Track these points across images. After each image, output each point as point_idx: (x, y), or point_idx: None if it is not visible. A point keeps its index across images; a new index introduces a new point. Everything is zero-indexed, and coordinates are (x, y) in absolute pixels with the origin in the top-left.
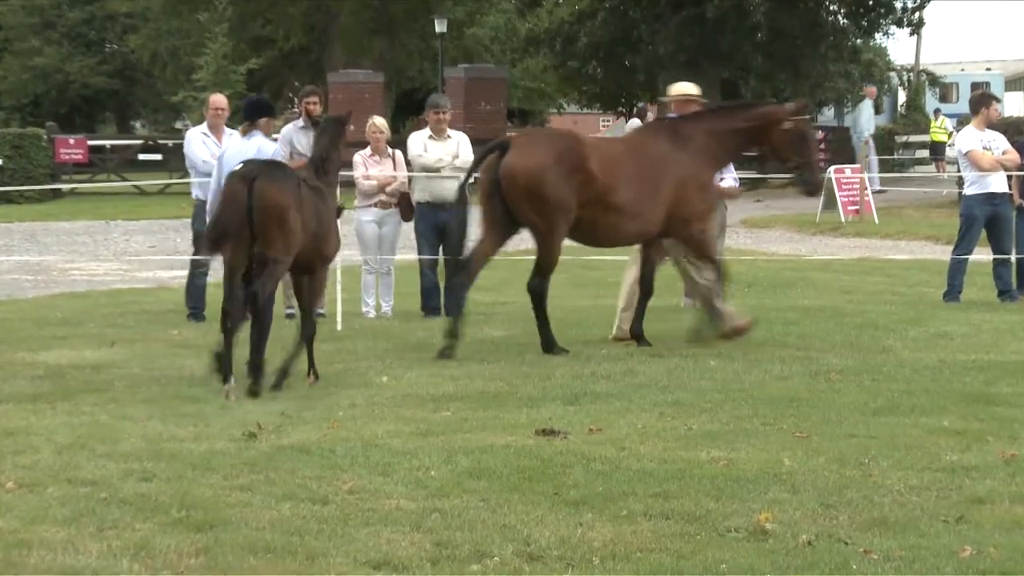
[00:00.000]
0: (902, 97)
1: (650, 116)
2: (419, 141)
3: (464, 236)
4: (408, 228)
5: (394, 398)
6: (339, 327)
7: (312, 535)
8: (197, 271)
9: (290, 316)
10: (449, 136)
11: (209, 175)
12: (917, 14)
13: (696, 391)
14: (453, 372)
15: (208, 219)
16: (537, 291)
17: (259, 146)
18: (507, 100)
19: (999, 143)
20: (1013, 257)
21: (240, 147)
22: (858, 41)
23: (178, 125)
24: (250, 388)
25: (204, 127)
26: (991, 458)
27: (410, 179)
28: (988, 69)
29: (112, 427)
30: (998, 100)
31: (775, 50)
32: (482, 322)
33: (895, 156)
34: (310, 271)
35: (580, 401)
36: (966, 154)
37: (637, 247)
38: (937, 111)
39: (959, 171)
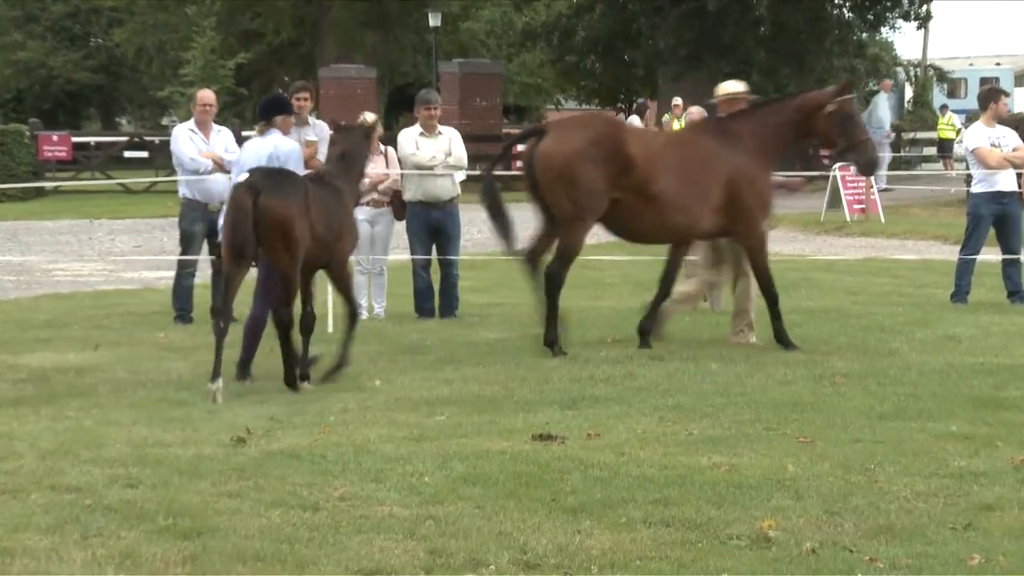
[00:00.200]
0: (909, 93)
1: (649, 112)
2: (410, 138)
3: (508, 228)
4: (401, 227)
5: (387, 402)
6: (330, 329)
7: (303, 543)
8: (184, 272)
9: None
10: (440, 132)
11: (197, 172)
12: (924, 7)
13: (697, 395)
14: (447, 375)
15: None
16: (555, 278)
17: (276, 144)
18: (503, 96)
19: (1010, 139)
20: (1023, 257)
21: (257, 147)
22: (864, 35)
23: (165, 121)
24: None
25: (191, 123)
26: (1000, 464)
27: (402, 177)
28: (997, 64)
29: (97, 432)
30: (1007, 94)
31: (778, 44)
32: (477, 324)
33: (902, 153)
34: (319, 268)
35: (578, 405)
36: (972, 151)
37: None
38: (944, 107)
39: (967, 169)
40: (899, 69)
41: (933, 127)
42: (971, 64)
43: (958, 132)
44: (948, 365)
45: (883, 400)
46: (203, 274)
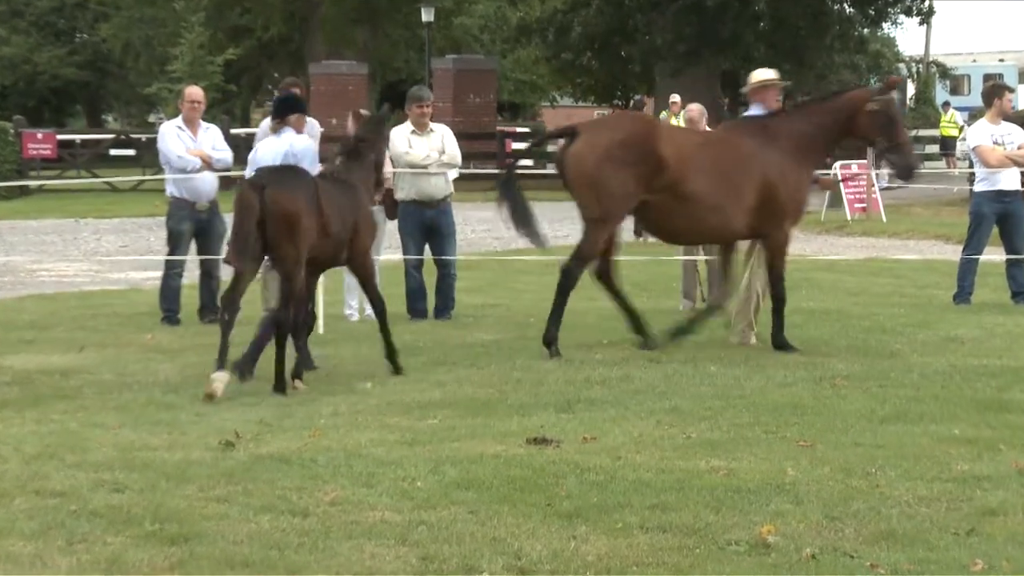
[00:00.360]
0: (911, 90)
1: (647, 109)
2: (402, 137)
3: (528, 217)
4: (392, 227)
5: (378, 405)
6: (321, 330)
7: (292, 549)
8: (171, 272)
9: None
10: (432, 130)
11: (184, 171)
12: (927, 2)
13: (695, 398)
14: (440, 377)
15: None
16: (569, 275)
17: (291, 142)
18: (497, 93)
19: (1015, 137)
20: None
21: (272, 146)
22: (865, 31)
23: (152, 119)
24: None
25: (179, 120)
26: (1004, 468)
27: (394, 176)
28: (1001, 60)
29: (82, 436)
30: (1011, 91)
31: (778, 40)
32: (471, 325)
33: None
34: (332, 266)
35: (574, 408)
36: (974, 149)
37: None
38: (946, 104)
39: (970, 167)
40: (901, 65)
41: (935, 124)
42: (974, 60)
43: (961, 129)
44: (951, 367)
45: (884, 403)
46: (191, 274)
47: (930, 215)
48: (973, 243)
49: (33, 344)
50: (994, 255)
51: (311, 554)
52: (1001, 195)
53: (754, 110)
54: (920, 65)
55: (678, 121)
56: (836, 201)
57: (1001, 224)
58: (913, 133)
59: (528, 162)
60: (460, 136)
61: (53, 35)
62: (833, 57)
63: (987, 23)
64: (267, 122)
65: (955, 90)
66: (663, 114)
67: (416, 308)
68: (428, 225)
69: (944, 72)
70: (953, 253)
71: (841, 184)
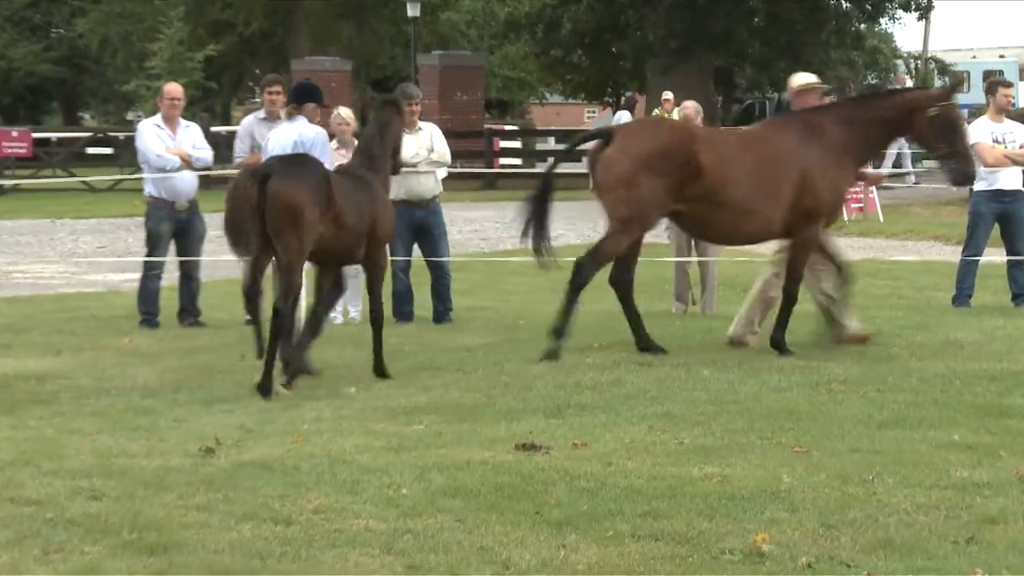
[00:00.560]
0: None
1: (639, 107)
2: None
3: (543, 230)
4: None
5: (363, 410)
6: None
7: (275, 558)
8: (150, 274)
9: (250, 322)
10: (420, 128)
11: (163, 170)
12: None
13: (688, 403)
14: (426, 383)
15: None
16: (582, 271)
17: (300, 131)
18: (485, 90)
19: (1017, 136)
20: None
21: (283, 133)
22: (862, 26)
23: (130, 116)
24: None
25: (158, 118)
26: (1004, 474)
27: None
28: (1001, 56)
29: (59, 442)
30: (1008, 85)
31: (773, 36)
32: (458, 328)
33: (901, 150)
34: (353, 261)
35: (563, 414)
36: (972, 146)
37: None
38: None
39: None
40: (899, 62)
41: None
42: (974, 56)
43: None
44: (950, 371)
45: (882, 408)
46: (170, 276)
47: (929, 215)
48: (972, 244)
49: (8, 348)
50: (994, 256)
51: (294, 563)
52: (1000, 195)
53: None
54: (918, 62)
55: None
56: None
57: (1002, 224)
58: None
59: (516, 161)
60: (447, 134)
61: (28, 30)
62: (829, 53)
63: (987, 18)
64: (249, 119)
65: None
66: (655, 111)
67: (402, 311)
68: (418, 226)
69: (943, 69)
70: (952, 254)
71: None
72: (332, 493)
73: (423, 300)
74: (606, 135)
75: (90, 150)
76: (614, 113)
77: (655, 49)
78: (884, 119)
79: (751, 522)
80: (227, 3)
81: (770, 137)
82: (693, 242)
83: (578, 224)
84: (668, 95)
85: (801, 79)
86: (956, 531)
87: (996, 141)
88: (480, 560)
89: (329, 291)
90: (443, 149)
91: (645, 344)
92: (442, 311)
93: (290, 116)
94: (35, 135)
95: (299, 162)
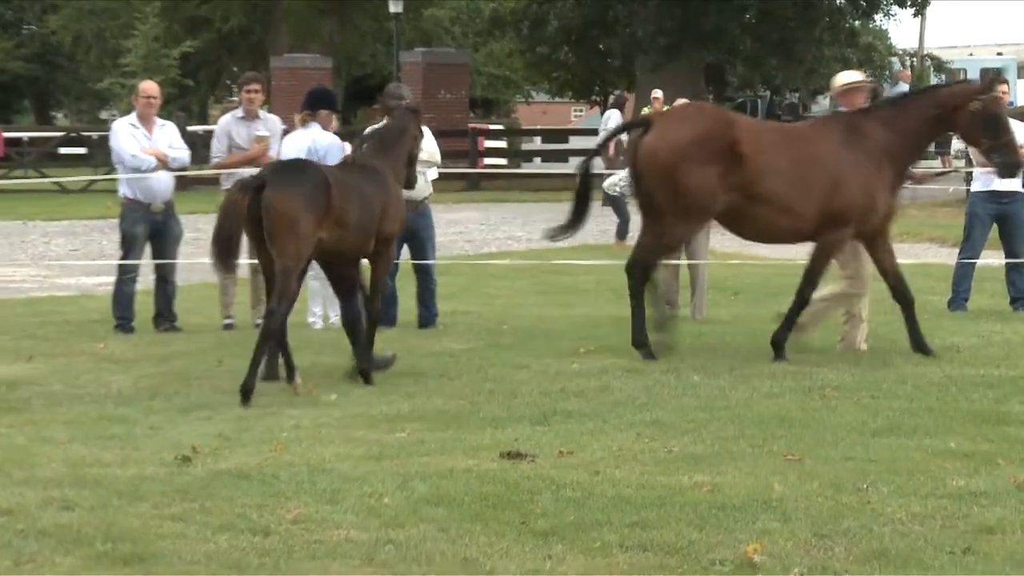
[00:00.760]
0: (905, 84)
1: (628, 105)
2: None
3: (579, 222)
4: None
5: (343, 418)
6: None
7: (252, 569)
8: (125, 277)
9: (228, 327)
10: None
11: (138, 170)
12: None
13: (677, 410)
14: (409, 389)
15: None
16: (645, 268)
17: (314, 138)
18: (469, 88)
19: (1017, 135)
20: None
21: (296, 140)
22: (856, 23)
23: (104, 115)
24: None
25: (133, 117)
26: (1001, 483)
27: None
28: (999, 53)
29: (30, 450)
30: (1003, 82)
31: (765, 32)
32: (441, 333)
33: None
34: (363, 257)
35: (549, 421)
36: (968, 146)
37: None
38: None
39: (968, 165)
40: (894, 59)
41: None
42: (971, 54)
43: None
44: (946, 377)
45: (876, 415)
46: (145, 280)
47: (925, 216)
48: (968, 246)
49: None
50: (992, 259)
51: (272, 575)
52: (997, 196)
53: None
54: (914, 59)
55: None
56: None
57: (1000, 226)
58: None
59: (502, 161)
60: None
61: (0, 27)
62: (823, 50)
63: (984, 15)
64: (226, 118)
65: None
66: (645, 110)
67: (386, 315)
68: (408, 228)
69: (939, 66)
70: (948, 256)
71: None
72: (312, 503)
73: (405, 303)
74: (644, 124)
75: (63, 150)
76: (602, 112)
77: (644, 46)
78: (927, 117)
79: (742, 532)
80: None
81: (812, 135)
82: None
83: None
84: (658, 93)
85: (845, 77)
86: (952, 541)
87: None
88: (464, 571)
89: (348, 292)
90: (433, 149)
91: (640, 341)
92: (427, 317)
93: (304, 123)
94: (6, 134)
95: (295, 169)
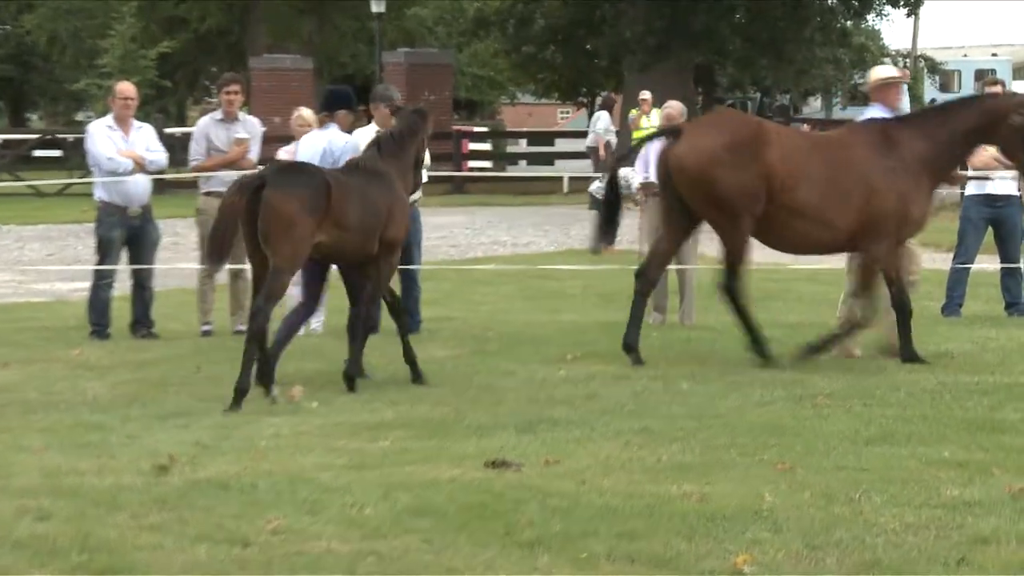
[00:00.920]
0: None
1: (616, 107)
2: (369, 138)
3: (614, 231)
4: None
5: (324, 426)
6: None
7: None
8: (101, 283)
9: (206, 334)
10: None
11: (115, 173)
12: None
13: (666, 418)
14: (392, 396)
15: None
16: (729, 290)
17: (330, 139)
18: (453, 89)
19: None
20: (1023, 266)
21: (313, 141)
22: (848, 23)
23: (80, 117)
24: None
25: (109, 119)
26: (996, 493)
27: None
28: (994, 55)
29: (4, 459)
30: (996, 83)
31: (755, 32)
32: (425, 340)
33: None
34: (366, 260)
35: (535, 429)
36: None
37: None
38: (934, 101)
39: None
40: (887, 60)
41: None
42: (965, 55)
43: None
44: (940, 384)
45: (869, 423)
46: (122, 285)
47: None
48: (963, 251)
49: None
50: (986, 264)
51: None
52: (991, 199)
53: (873, 110)
54: (907, 60)
55: (649, 120)
56: None
57: (995, 230)
58: None
59: (487, 164)
60: None
61: None
62: (814, 51)
63: (979, 16)
64: (205, 120)
65: (945, 86)
66: (632, 112)
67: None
68: None
69: (933, 67)
70: (943, 262)
71: None
72: (291, 513)
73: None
74: (675, 132)
75: (38, 152)
76: (590, 114)
77: (632, 46)
78: (966, 128)
79: (732, 543)
80: None
81: (845, 143)
82: None
83: (551, 231)
84: (646, 95)
85: (882, 72)
86: (947, 552)
87: None
88: None
89: (358, 298)
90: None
91: (631, 345)
92: (411, 323)
93: (322, 124)
94: None
95: (295, 170)
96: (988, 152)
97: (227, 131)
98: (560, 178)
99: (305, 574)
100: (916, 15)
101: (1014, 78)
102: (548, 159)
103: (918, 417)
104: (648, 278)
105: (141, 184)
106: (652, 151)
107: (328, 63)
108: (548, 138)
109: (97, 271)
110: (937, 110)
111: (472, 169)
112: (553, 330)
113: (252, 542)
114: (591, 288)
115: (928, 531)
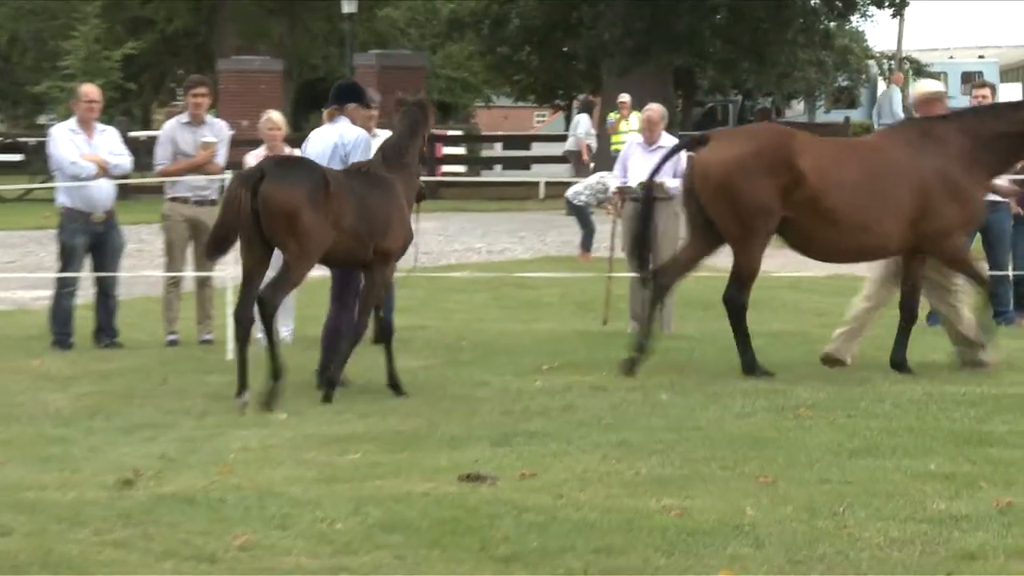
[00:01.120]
0: (882, 88)
1: (595, 110)
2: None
3: (649, 242)
4: None
5: (293, 439)
6: (229, 355)
7: None
8: (64, 291)
9: (172, 343)
10: (377, 135)
11: (78, 178)
12: None
13: (645, 430)
14: (363, 408)
15: None
16: (734, 304)
17: (341, 133)
18: (426, 92)
19: None
20: (1010, 273)
21: (323, 135)
22: (831, 24)
23: (42, 120)
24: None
25: (72, 123)
26: (984, 506)
27: None
28: (981, 57)
29: None
30: (983, 85)
31: (737, 34)
32: (398, 349)
33: None
34: (357, 265)
35: (511, 442)
36: None
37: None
38: None
39: None
40: (871, 62)
41: None
42: (951, 57)
43: None
44: (926, 395)
45: (853, 435)
46: (85, 293)
47: None
48: None
49: None
50: None
51: None
52: None
53: None
54: (892, 62)
55: (628, 124)
56: None
57: (983, 236)
58: None
59: (461, 169)
60: None
61: None
62: (797, 53)
63: (965, 17)
64: (171, 123)
65: None
66: (611, 116)
67: None
68: None
69: (919, 69)
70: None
71: None
72: (260, 528)
73: None
74: (703, 141)
75: None
76: (567, 117)
77: (611, 48)
78: (1012, 133)
79: (713, 558)
80: None
81: (882, 146)
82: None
83: (526, 237)
84: (625, 97)
85: (927, 86)
86: (933, 567)
87: None
88: None
89: (344, 304)
90: None
91: (633, 362)
92: (382, 332)
93: (331, 118)
94: None
95: (295, 163)
96: None
97: (193, 135)
98: (536, 183)
99: None
100: (901, 16)
101: (1001, 80)
102: (524, 163)
103: (903, 429)
104: (661, 283)
105: (105, 189)
106: (631, 154)
107: (299, 65)
108: (524, 142)
109: (60, 279)
110: (984, 110)
111: (446, 174)
112: (529, 340)
113: (219, 558)
114: (568, 296)
115: (914, 546)
